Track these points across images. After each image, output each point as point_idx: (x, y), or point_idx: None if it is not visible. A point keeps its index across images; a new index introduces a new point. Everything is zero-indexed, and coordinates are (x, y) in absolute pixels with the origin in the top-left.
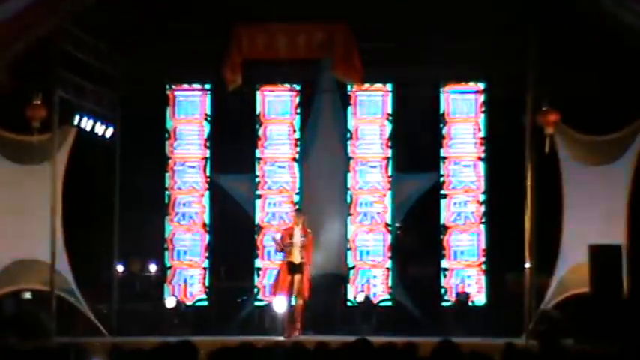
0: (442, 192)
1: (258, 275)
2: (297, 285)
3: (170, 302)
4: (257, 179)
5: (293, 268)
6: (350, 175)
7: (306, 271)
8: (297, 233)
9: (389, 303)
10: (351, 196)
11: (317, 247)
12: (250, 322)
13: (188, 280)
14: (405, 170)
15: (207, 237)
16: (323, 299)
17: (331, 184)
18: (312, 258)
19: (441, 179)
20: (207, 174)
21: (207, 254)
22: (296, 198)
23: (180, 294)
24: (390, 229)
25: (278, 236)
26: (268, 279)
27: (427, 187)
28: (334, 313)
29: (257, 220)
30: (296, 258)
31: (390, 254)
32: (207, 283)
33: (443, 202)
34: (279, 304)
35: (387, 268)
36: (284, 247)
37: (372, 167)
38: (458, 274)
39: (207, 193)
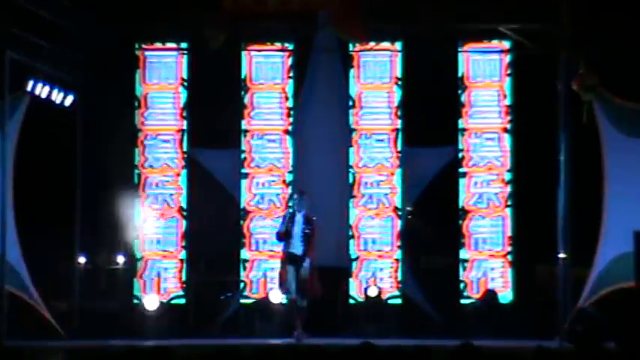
0: (461, 169)
1: (245, 268)
2: (301, 280)
3: (150, 302)
4: (243, 155)
5: (295, 261)
6: (352, 150)
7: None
8: (300, 221)
9: (398, 300)
10: (353, 175)
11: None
12: (236, 322)
13: (162, 273)
14: (418, 144)
15: (184, 223)
16: (321, 297)
17: (330, 161)
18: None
19: (460, 154)
20: (184, 149)
21: (184, 243)
22: (288, 177)
23: (153, 290)
24: (399, 213)
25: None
26: (256, 273)
27: (443, 164)
28: (334, 313)
29: (243, 204)
30: (297, 249)
31: (399, 243)
32: (184, 278)
33: (462, 182)
34: (276, 296)
35: (396, 260)
36: (282, 236)
37: (378, 141)
38: (479, 267)
39: (184, 172)
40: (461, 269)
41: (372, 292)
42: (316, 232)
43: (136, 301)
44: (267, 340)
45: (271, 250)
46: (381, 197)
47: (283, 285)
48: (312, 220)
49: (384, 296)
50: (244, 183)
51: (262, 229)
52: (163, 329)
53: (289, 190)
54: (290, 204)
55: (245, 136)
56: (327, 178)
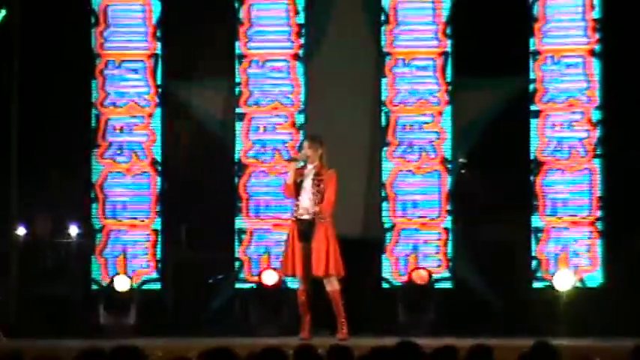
0: (533, 107)
1: (241, 242)
2: (315, 257)
3: (120, 283)
4: (237, 89)
5: (305, 230)
6: (385, 82)
7: (327, 234)
8: (311, 174)
9: (448, 284)
10: (387, 116)
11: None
12: (228, 315)
13: (130, 249)
14: (473, 73)
15: (158, 181)
16: (345, 280)
17: (355, 96)
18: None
19: (531, 86)
20: (158, 81)
21: (158, 209)
22: (299, 118)
23: (118, 271)
24: (448, 167)
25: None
26: (257, 247)
27: (508, 100)
28: (362, 301)
29: (238, 155)
30: (307, 213)
31: (449, 207)
32: (159, 255)
33: (534, 124)
34: (270, 278)
35: (445, 230)
36: (290, 191)
37: (419, 68)
38: (558, 241)
39: (157, 112)
40: (533, 242)
41: (419, 277)
42: (335, 185)
43: (94, 286)
44: (270, 340)
45: (277, 217)
46: (424, 145)
47: (287, 272)
48: (328, 171)
49: (429, 279)
50: (240, 127)
51: (264, 189)
52: (132, 324)
53: (300, 137)
54: (301, 154)
55: (240, 63)
56: (351, 119)
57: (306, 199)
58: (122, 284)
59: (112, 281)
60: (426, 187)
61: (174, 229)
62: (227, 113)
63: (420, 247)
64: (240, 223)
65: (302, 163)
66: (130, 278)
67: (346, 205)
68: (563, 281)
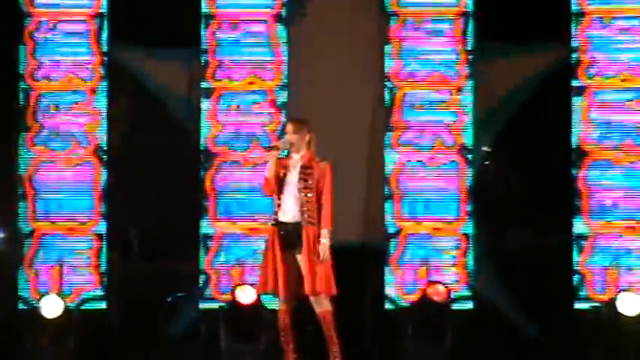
0: (574, 82)
1: (207, 251)
2: (302, 271)
3: (50, 307)
4: (204, 58)
5: (289, 237)
6: (389, 50)
7: (316, 241)
8: (297, 166)
9: (468, 304)
10: (392, 93)
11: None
12: (192, 342)
13: (66, 259)
14: (500, 39)
15: (103, 174)
16: (338, 299)
17: (351, 68)
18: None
19: (573, 56)
20: (103, 47)
21: (103, 209)
22: (281, 96)
23: (52, 288)
24: (469, 157)
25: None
26: (227, 257)
27: (544, 74)
28: (361, 326)
29: (204, 141)
30: (292, 215)
31: (469, 207)
32: (104, 267)
33: (576, 103)
34: (244, 296)
35: (465, 236)
36: (271, 187)
37: (432, 33)
38: (606, 251)
39: (102, 86)
40: (575, 252)
41: (437, 293)
42: (331, 183)
43: (21, 305)
44: None
45: (253, 220)
46: (439, 130)
47: (266, 289)
48: (320, 163)
49: (445, 297)
50: (207, 106)
51: (237, 184)
52: (69, 351)
53: (282, 119)
54: (283, 141)
55: (207, 25)
56: (346, 97)
57: (291, 197)
58: (52, 308)
59: (43, 301)
60: (440, 182)
61: (123, 235)
62: (190, 89)
63: (432, 258)
64: (206, 227)
65: (285, 153)
66: (66, 297)
67: (340, 205)
68: (626, 304)
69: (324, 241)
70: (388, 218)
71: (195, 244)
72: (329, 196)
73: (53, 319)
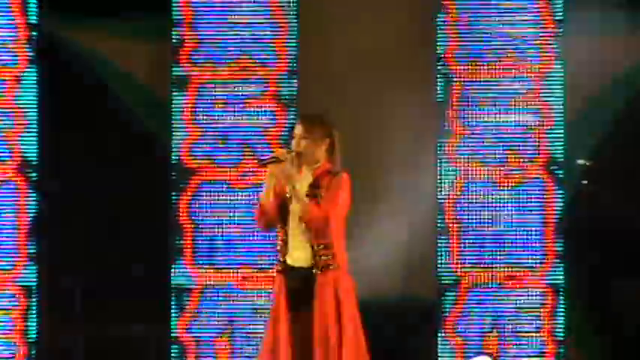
0: None
1: (182, 310)
2: (317, 337)
3: None
4: (175, 34)
5: (300, 290)
6: (444, 20)
7: (338, 296)
8: (304, 184)
9: None
10: (446, 82)
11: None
12: None
13: None
14: (602, 4)
15: (31, 198)
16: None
17: (386, 47)
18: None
19: None
20: (32, 19)
21: (32, 248)
22: (288, 86)
23: None
24: (559, 174)
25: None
26: (209, 319)
27: None
28: None
29: (176, 152)
30: (302, 257)
31: (559, 246)
32: (33, 333)
33: None
34: None
35: (552, 288)
36: (270, 217)
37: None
38: None
39: (30, 74)
40: None
41: None
42: (347, 192)
43: None
44: None
45: (246, 266)
46: (514, 136)
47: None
48: (339, 177)
49: None
50: (180, 101)
51: (223, 212)
52: None
53: (288, 118)
54: (287, 150)
55: None
56: (380, 88)
57: (300, 230)
58: None
59: None
60: (517, 210)
61: (61, 285)
62: (156, 77)
63: (504, 319)
64: (180, 275)
65: (292, 168)
66: None
67: (373, 243)
68: None
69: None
70: (442, 262)
71: (163, 298)
72: (337, 200)
73: None
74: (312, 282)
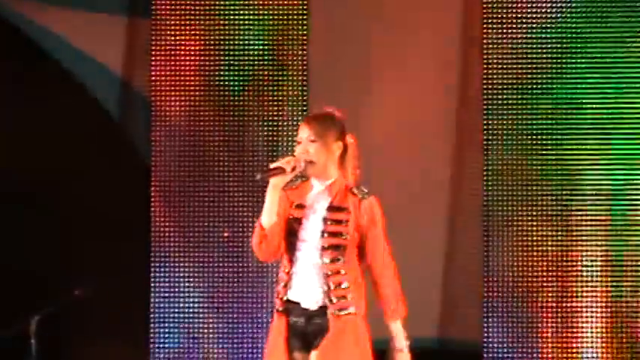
0: None
1: (164, 337)
2: None
3: None
4: (152, 8)
5: (306, 335)
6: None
7: (352, 344)
8: (319, 207)
9: None
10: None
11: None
12: None
13: None
14: None
15: None
16: None
17: (414, 33)
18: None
19: None
20: None
21: None
22: (294, 78)
23: None
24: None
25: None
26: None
27: None
28: None
29: (155, 159)
30: (310, 295)
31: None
32: None
33: None
34: None
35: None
36: (272, 245)
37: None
38: None
39: None
40: None
41: None
42: (380, 229)
43: None
44: None
45: (240, 296)
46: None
47: None
48: (363, 200)
49: None
50: (159, 96)
51: (212, 233)
52: None
53: (298, 117)
54: (288, 161)
55: None
56: (408, 86)
57: (309, 261)
58: None
59: None
60: (581, 232)
61: (15, 322)
62: (130, 64)
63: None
64: (159, 302)
65: (297, 180)
66: None
67: (404, 280)
68: None
69: (402, 347)
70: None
71: (140, 345)
72: (387, 253)
73: None
74: (323, 326)
